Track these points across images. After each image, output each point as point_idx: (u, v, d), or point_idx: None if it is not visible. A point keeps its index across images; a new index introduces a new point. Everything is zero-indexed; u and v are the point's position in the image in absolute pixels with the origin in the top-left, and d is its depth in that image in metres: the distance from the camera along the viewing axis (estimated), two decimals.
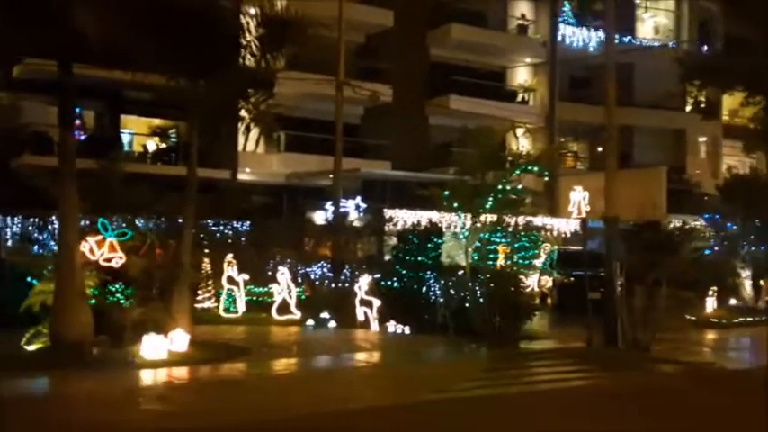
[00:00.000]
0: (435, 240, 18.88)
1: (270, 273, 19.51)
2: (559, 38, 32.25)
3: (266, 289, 19.09)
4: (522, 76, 33.09)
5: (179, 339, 13.56)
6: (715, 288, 22.57)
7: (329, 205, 23.35)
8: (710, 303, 22.47)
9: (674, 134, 35.36)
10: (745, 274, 23.68)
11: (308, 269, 20.49)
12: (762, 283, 23.89)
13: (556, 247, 25.66)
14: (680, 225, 23.18)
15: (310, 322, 18.17)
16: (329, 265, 20.42)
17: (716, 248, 23.68)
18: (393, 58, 28.66)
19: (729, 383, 14.11)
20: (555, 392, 12.56)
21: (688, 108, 34.75)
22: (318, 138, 25.85)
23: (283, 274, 18.68)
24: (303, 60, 24.37)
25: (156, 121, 27.01)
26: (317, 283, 20.25)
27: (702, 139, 36.08)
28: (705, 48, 34.49)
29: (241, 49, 14.57)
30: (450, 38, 30.23)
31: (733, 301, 23.56)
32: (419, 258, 18.47)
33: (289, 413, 10.21)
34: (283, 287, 18.56)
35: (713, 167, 35.62)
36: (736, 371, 15.41)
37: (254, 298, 19.15)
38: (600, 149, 28.61)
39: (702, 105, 33.43)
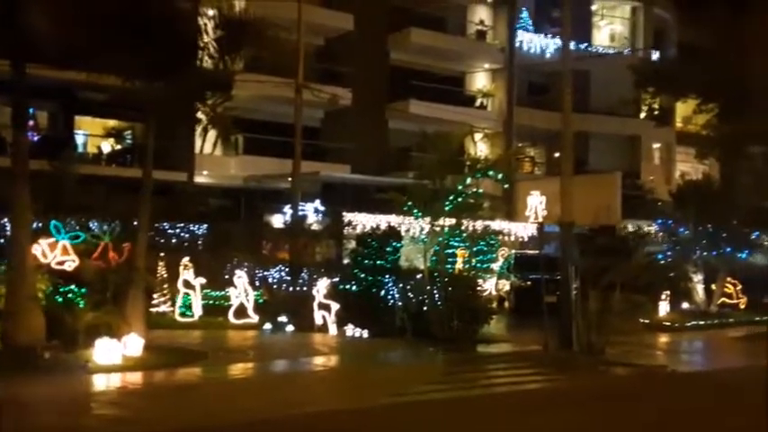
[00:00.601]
0: (394, 244, 18.92)
1: (227, 276, 19.33)
2: (517, 44, 32.59)
3: (223, 293, 18.91)
4: (480, 81, 33.37)
5: (133, 344, 13.35)
6: (668, 292, 23.00)
7: (288, 208, 23.24)
8: (663, 307, 22.89)
9: (628, 140, 35.97)
10: (698, 278, 24.17)
11: (265, 273, 20.36)
12: (713, 287, 24.42)
13: (513, 251, 25.91)
14: (634, 230, 23.63)
15: (268, 326, 18.06)
16: (287, 269, 20.31)
17: (669, 253, 24.14)
18: (353, 62, 28.67)
19: (681, 386, 14.39)
20: (510, 395, 12.67)
21: (642, 115, 35.40)
22: (277, 140, 25.71)
23: (240, 277, 18.53)
24: (262, 63, 24.24)
25: (112, 123, 26.61)
26: (274, 286, 20.11)
27: (656, 146, 36.79)
28: (659, 55, 35.16)
29: (199, 50, 14.46)
30: (409, 42, 30.35)
31: (685, 305, 24.02)
32: (378, 262, 18.48)
33: (245, 418, 10.12)
34: (240, 291, 18.41)
35: (667, 173, 36.31)
36: (688, 374, 15.72)
37: (211, 302, 18.95)
38: (556, 155, 28.99)
39: (656, 112, 34.09)
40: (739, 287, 25.28)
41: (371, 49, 29.71)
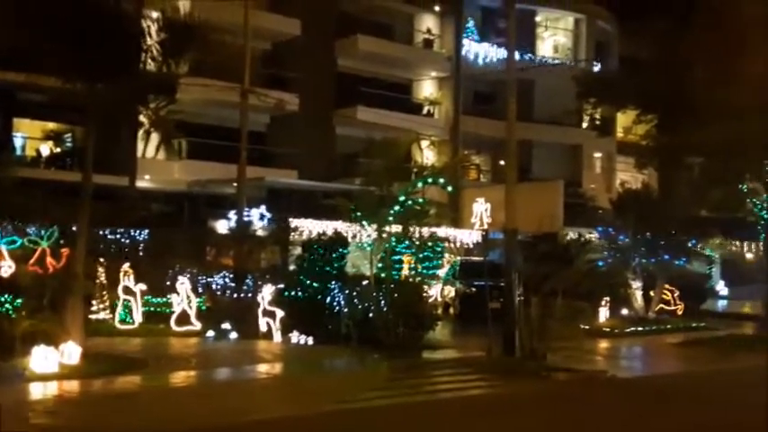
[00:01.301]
0: (340, 250, 18.88)
1: (169, 283, 19.00)
2: (464, 53, 32.96)
3: (165, 299, 18.58)
4: (427, 89, 33.63)
5: (71, 352, 13.01)
6: (608, 298, 23.45)
7: (232, 214, 22.99)
8: (603, 313, 23.33)
9: (571, 149, 36.66)
10: (636, 285, 24.68)
11: (209, 279, 20.09)
12: (652, 293, 24.99)
13: (458, 257, 26.12)
14: (575, 237, 24.04)
15: (211, 333, 17.80)
16: (231, 275, 20.08)
17: (609, 260, 24.61)
18: (300, 67, 28.60)
19: (620, 391, 14.68)
20: (453, 401, 12.74)
21: (584, 125, 36.13)
22: (222, 145, 25.44)
23: (183, 284, 18.23)
24: (207, 66, 23.95)
25: (51, 125, 25.97)
26: (218, 293, 19.87)
27: (597, 155, 37.58)
28: (601, 67, 35.96)
29: (142, 52, 14.20)
30: (357, 49, 30.42)
31: (624, 311, 24.52)
32: (324, 268, 18.41)
33: (185, 426, 9.96)
34: (183, 297, 18.11)
35: (607, 182, 37.12)
36: (627, 379, 16.03)
37: (152, 309, 18.60)
38: (501, 163, 29.35)
39: (598, 122, 34.84)
40: (677, 294, 25.89)
41: (319, 54, 29.68)
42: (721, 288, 37.28)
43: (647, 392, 14.50)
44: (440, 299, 23.69)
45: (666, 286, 25.40)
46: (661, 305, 25.36)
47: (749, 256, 36.02)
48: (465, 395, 13.21)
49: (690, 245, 25.61)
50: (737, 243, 34.78)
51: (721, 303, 34.18)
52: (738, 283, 36.18)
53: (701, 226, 26.10)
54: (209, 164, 26.07)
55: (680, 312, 25.74)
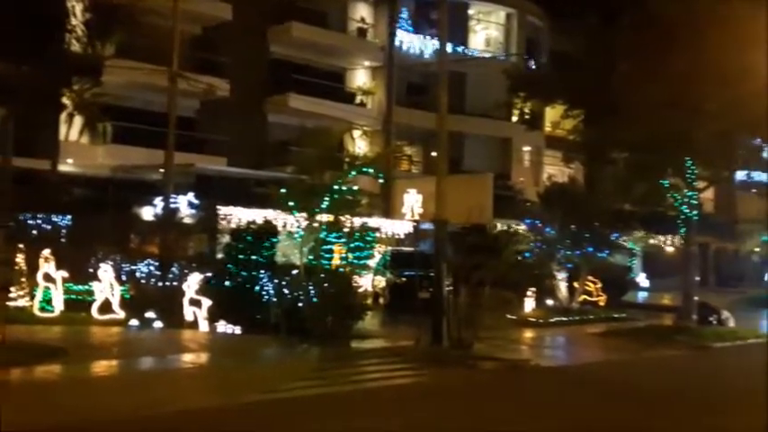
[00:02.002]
0: (270, 239, 18.70)
1: (91, 270, 18.49)
2: (397, 43, 32.98)
3: (87, 287, 18.07)
4: (361, 78, 33.54)
5: None
6: (533, 289, 23.93)
7: (159, 201, 22.50)
8: (529, 303, 23.80)
9: (501, 142, 37.16)
10: (561, 276, 25.27)
11: (133, 267, 19.62)
12: (576, 284, 25.61)
13: (389, 248, 26.22)
14: (504, 229, 24.41)
15: (134, 322, 17.41)
16: (157, 263, 19.65)
17: (535, 252, 25.10)
18: (231, 53, 28.12)
19: (543, 379, 15.01)
20: (379, 391, 12.81)
21: (514, 118, 36.66)
22: (149, 130, 24.81)
23: (106, 271, 17.77)
24: (135, 49, 23.39)
25: None
26: (142, 281, 19.43)
27: (527, 149, 38.19)
28: (531, 62, 36.51)
29: (66, 33, 13.74)
30: (290, 36, 30.10)
31: (549, 302, 25.07)
32: (253, 257, 18.21)
33: (105, 416, 9.71)
34: (105, 285, 17.65)
35: (535, 175, 37.79)
36: (550, 367, 16.41)
37: (74, 296, 18.06)
38: (433, 154, 29.57)
39: (527, 116, 35.32)
40: (599, 285, 26.62)
41: (251, 40, 29.25)
42: (642, 280, 38.56)
43: (568, 380, 14.88)
44: (370, 289, 23.73)
45: (590, 278, 26.07)
46: (584, 296, 26.03)
47: (669, 249, 37.36)
48: (392, 384, 13.30)
49: (613, 238, 26.32)
50: (658, 236, 36.02)
51: (642, 295, 35.34)
52: (658, 275, 37.51)
53: (624, 219, 26.83)
54: (135, 149, 25.40)
55: (602, 303, 26.48)
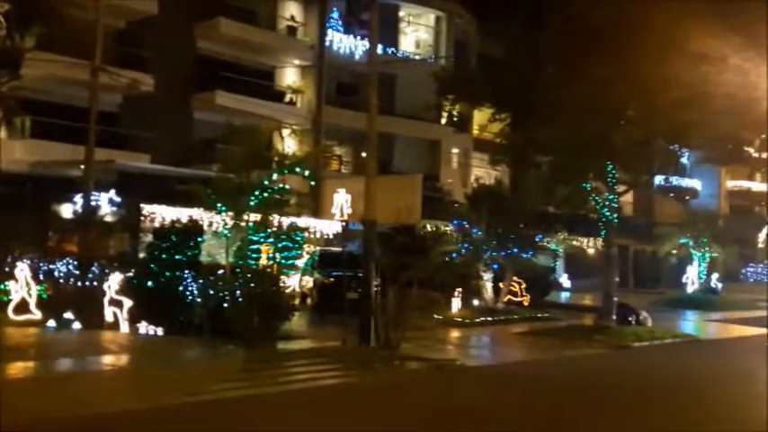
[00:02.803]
0: (195, 238, 18.34)
1: (7, 269, 17.78)
2: (327, 43, 32.87)
3: (2, 286, 17.38)
4: (290, 77, 33.28)
5: None
6: (460, 289, 24.19)
7: (78, 198, 21.80)
8: (456, 304, 24.06)
9: (430, 144, 37.43)
10: (487, 276, 25.62)
11: (51, 266, 18.96)
12: (501, 285, 26.01)
13: (318, 248, 26.09)
14: (432, 230, 24.63)
15: (52, 323, 16.84)
16: (76, 263, 19.03)
17: (462, 252, 25.38)
18: (157, 48, 27.50)
19: (468, 379, 15.18)
20: (305, 392, 12.74)
21: (443, 121, 37.02)
22: (70, 125, 24.04)
23: (22, 270, 17.13)
24: (56, 42, 22.63)
25: None
26: (61, 281, 18.79)
27: (455, 151, 38.60)
28: (459, 65, 36.91)
29: None
30: (218, 32, 29.61)
31: (476, 302, 25.38)
32: (176, 257, 17.83)
33: (20, 419, 9.32)
34: (22, 285, 17.02)
35: (463, 177, 38.22)
36: (475, 367, 16.60)
37: None
38: (363, 155, 29.57)
39: (456, 119, 35.74)
40: (524, 286, 27.13)
41: (177, 36, 28.65)
42: (564, 281, 39.51)
43: (492, 380, 15.10)
44: (297, 289, 23.57)
45: (514, 278, 26.53)
46: (509, 296, 26.48)
47: (590, 251, 38.40)
48: (317, 385, 13.22)
49: (537, 239, 26.87)
50: (580, 238, 36.97)
51: (564, 295, 36.21)
52: (580, 276, 38.50)
53: (548, 222, 27.44)
54: (55, 144, 24.56)
55: (526, 303, 26.99)
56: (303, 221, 24.12)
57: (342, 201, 28.36)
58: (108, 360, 14.17)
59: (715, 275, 37.92)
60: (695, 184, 51.09)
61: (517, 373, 15.96)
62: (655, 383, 15.03)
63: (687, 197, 50.62)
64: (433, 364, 15.81)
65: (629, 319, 24.37)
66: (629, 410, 12.27)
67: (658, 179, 44.52)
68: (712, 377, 16.29)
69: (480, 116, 33.60)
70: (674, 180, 49.13)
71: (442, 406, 12.09)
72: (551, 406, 12.36)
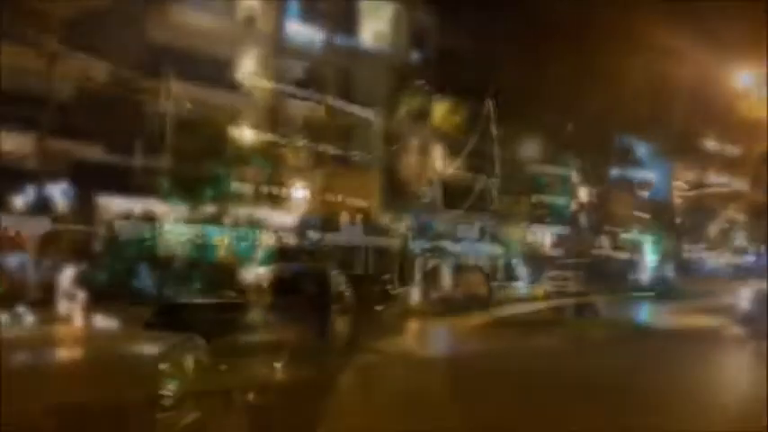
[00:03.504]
0: (151, 231, 18.05)
1: None
2: (286, 33, 32.48)
3: None
4: (248, 67, 32.81)
5: None
6: (421, 282, 24.14)
7: (30, 189, 21.24)
8: (416, 295, 24.01)
9: (389, 136, 37.24)
10: (449, 268, 25.64)
11: (2, 258, 18.48)
12: (462, 276, 26.05)
13: (275, 240, 25.86)
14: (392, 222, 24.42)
15: (3, 317, 16.37)
16: (28, 255, 18.59)
17: (423, 244, 25.32)
18: (109, 36, 26.80)
19: (427, 370, 15.17)
20: (261, 386, 12.60)
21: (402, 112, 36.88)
22: (21, 115, 23.37)
23: None
24: (6, 30, 21.98)
25: None
26: (13, 274, 18.33)
27: (415, 142, 38.48)
28: (417, 57, 36.83)
29: None
30: (172, 20, 29.03)
31: (436, 294, 25.34)
32: (131, 249, 17.52)
33: None
34: None
35: (423, 169, 38.13)
36: (434, 358, 16.59)
37: None
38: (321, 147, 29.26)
39: (414, 111, 35.66)
40: (485, 278, 27.25)
41: (130, 24, 27.98)
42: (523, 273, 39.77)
43: (450, 370, 15.12)
44: (255, 282, 23.30)
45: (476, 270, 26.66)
46: (470, 288, 26.54)
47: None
48: (273, 379, 13.07)
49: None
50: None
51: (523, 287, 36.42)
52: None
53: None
54: (5, 134, 23.86)
55: (487, 295, 27.10)
56: (260, 213, 23.89)
57: (300, 193, 28.19)
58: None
59: (668, 266, 38.59)
60: (650, 176, 51.94)
61: (476, 364, 15.98)
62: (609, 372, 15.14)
63: (641, 190, 51.44)
64: (392, 356, 15.77)
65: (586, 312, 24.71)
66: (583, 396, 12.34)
67: (614, 171, 45.15)
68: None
69: (440, 107, 33.66)
70: (630, 172, 49.87)
71: (400, 398, 12.05)
72: (510, 395, 12.42)
